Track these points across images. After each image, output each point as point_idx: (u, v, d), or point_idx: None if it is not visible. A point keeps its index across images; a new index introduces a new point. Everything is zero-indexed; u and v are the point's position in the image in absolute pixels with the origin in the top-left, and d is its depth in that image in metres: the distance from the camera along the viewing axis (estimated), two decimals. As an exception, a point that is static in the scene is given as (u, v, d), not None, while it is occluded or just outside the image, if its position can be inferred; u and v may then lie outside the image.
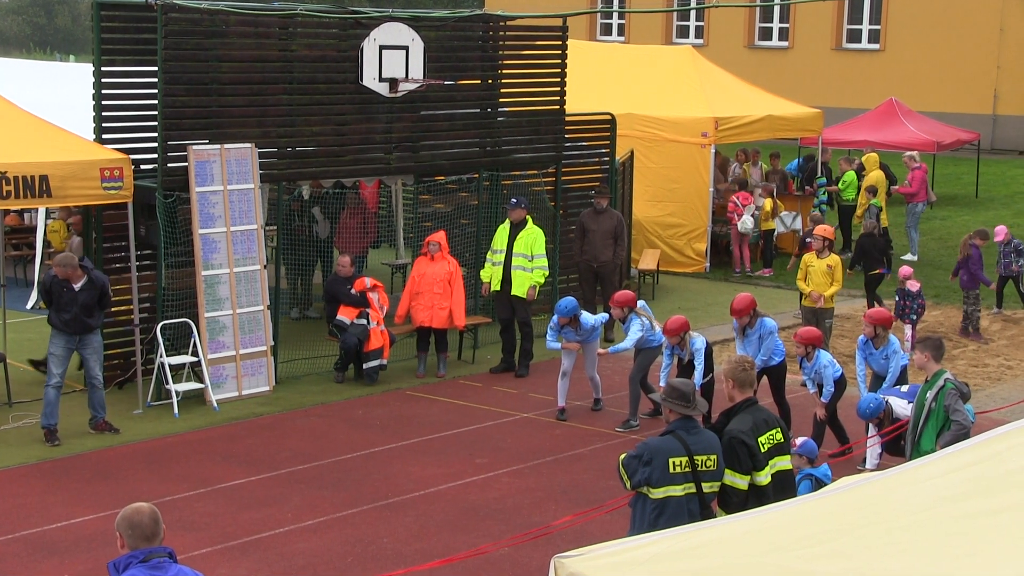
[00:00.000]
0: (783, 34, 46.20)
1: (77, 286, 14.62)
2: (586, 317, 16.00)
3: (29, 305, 20.92)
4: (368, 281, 17.68)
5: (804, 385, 15.98)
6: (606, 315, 16.76)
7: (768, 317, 15.41)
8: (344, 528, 12.43)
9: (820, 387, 14.54)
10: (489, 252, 18.34)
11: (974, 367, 18.72)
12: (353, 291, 17.45)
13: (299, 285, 20.59)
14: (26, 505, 12.88)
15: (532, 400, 16.78)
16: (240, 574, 11.39)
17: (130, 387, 16.39)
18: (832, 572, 5.73)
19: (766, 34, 46.69)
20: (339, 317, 17.38)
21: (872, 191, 25.39)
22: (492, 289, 18.09)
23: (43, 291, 14.89)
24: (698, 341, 15.22)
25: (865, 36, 44.70)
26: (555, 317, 15.95)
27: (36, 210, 21.83)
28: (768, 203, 24.81)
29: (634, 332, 15.48)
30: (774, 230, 25.09)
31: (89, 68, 17.18)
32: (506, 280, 17.92)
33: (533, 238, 17.99)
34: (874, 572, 5.68)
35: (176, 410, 15.80)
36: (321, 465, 14.23)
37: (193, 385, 16.30)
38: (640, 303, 16.08)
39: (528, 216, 18.20)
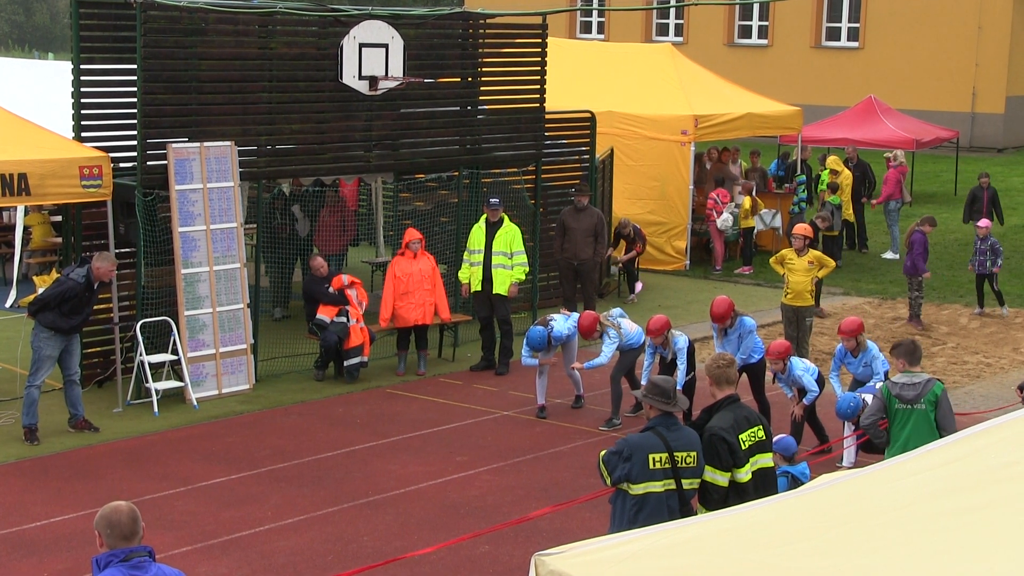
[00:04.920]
0: (762, 32, 46.27)
1: (95, 286, 14.66)
2: (558, 330, 15.95)
3: (8, 303, 20.84)
4: (345, 278, 17.66)
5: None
6: (578, 315, 16.62)
7: (747, 316, 15.46)
8: (324, 526, 12.42)
9: (800, 391, 14.56)
10: (466, 252, 18.30)
11: (953, 364, 18.78)
12: (331, 289, 17.43)
13: (279, 283, 20.51)
14: (4, 504, 12.83)
15: (512, 398, 16.78)
16: (220, 572, 11.37)
17: (109, 385, 16.34)
18: (812, 569, 5.75)
19: (746, 32, 46.76)
20: (319, 316, 17.35)
21: (833, 188, 25.51)
22: (472, 289, 18.07)
23: (61, 298, 14.42)
24: (680, 340, 15.25)
25: (844, 34, 44.81)
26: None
27: (14, 208, 21.74)
28: (748, 201, 24.86)
29: (607, 347, 15.51)
30: (754, 228, 25.13)
31: (68, 66, 17.12)
32: (486, 279, 17.90)
33: (511, 236, 17.99)
34: (854, 569, 5.69)
35: (156, 408, 15.76)
36: (301, 463, 14.21)
37: (173, 383, 16.26)
38: (616, 310, 16.10)
39: (504, 214, 18.21)
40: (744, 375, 14.75)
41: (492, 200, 18.21)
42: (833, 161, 27.11)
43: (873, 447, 13.64)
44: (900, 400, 11.29)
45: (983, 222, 21.96)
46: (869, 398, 13.75)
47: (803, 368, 14.59)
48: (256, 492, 13.31)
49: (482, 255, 17.95)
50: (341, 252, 21.30)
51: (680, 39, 45.98)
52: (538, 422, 15.86)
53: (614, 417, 15.65)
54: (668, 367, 15.21)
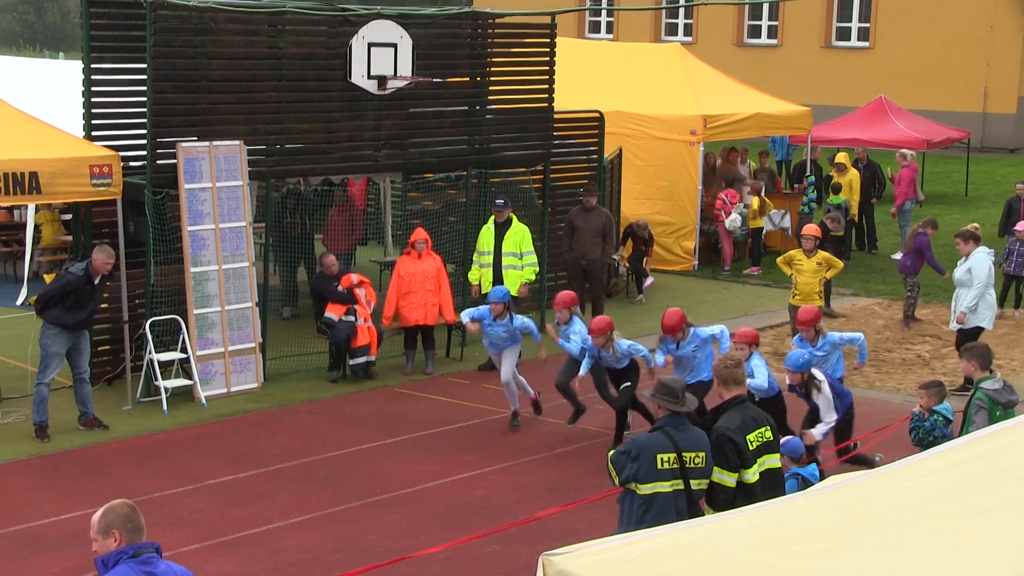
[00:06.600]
0: (772, 32, 46.24)
1: (97, 280, 14.70)
2: (521, 319, 15.61)
3: (19, 301, 20.88)
4: (355, 277, 17.68)
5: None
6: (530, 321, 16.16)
7: (701, 327, 14.71)
8: (332, 525, 12.43)
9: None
10: (475, 254, 18.30)
11: (962, 365, 18.71)
12: (340, 288, 17.45)
13: (289, 282, 20.54)
14: (15, 501, 12.87)
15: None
16: (228, 570, 11.39)
17: (119, 383, 16.37)
18: (820, 570, 5.75)
19: (755, 32, 46.73)
20: (327, 314, 17.37)
21: (836, 189, 25.42)
22: (482, 291, 18.04)
23: (63, 292, 14.50)
24: (623, 344, 14.72)
25: (854, 34, 44.77)
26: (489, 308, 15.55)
27: (25, 207, 21.79)
28: (756, 201, 24.83)
29: (582, 333, 14.94)
30: (762, 228, 25.10)
31: (78, 65, 17.17)
32: (497, 280, 17.89)
33: (520, 236, 17.99)
34: (861, 570, 5.70)
35: (165, 406, 15.79)
36: (309, 462, 14.23)
37: (182, 382, 16.29)
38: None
39: (512, 214, 18.20)
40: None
41: (497, 201, 18.20)
42: (842, 157, 26.98)
43: (859, 461, 13.45)
44: (1004, 406, 11.34)
45: (1021, 224, 21.81)
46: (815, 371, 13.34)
47: (757, 363, 14.03)
48: (264, 490, 13.33)
49: (491, 256, 17.94)
50: (349, 251, 21.30)
51: (689, 39, 45.97)
52: (544, 422, 15.84)
53: (575, 417, 15.36)
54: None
